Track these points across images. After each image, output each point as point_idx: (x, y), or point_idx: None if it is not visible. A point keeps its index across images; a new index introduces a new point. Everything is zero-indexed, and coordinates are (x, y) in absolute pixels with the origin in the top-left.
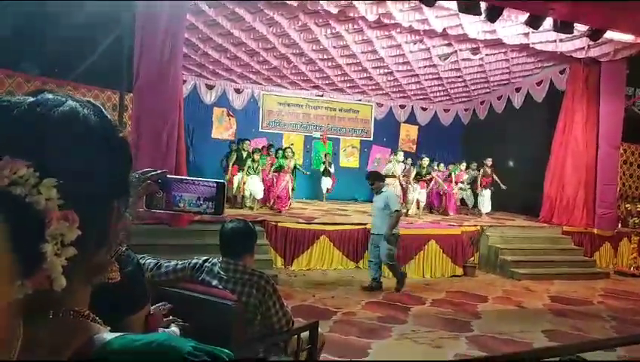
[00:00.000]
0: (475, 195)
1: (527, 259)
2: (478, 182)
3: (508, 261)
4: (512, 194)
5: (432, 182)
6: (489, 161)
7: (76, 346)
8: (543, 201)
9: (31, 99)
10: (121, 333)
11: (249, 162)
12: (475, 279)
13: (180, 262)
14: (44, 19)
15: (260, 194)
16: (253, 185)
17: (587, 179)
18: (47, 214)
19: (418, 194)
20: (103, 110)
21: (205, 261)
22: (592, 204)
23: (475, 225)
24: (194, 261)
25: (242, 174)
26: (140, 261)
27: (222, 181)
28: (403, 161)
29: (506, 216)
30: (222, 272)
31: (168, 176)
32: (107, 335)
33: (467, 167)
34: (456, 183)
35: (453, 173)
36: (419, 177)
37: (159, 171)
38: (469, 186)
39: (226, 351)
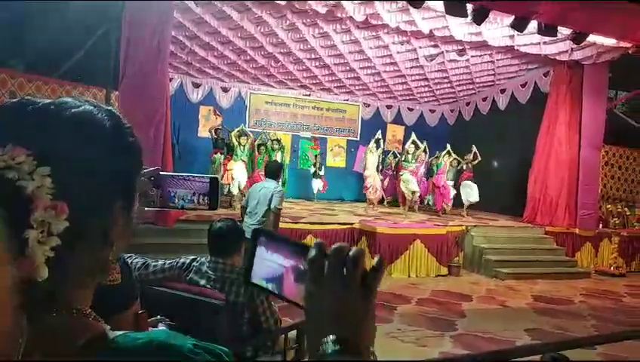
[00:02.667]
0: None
1: (511, 258)
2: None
3: (492, 261)
4: (496, 195)
5: (422, 167)
6: (470, 156)
7: (79, 344)
8: (526, 202)
9: (50, 100)
10: (124, 332)
11: (237, 148)
12: (459, 278)
13: (168, 262)
14: (29, 15)
15: (244, 183)
16: (239, 171)
17: (569, 180)
18: (34, 200)
19: (409, 184)
20: (121, 117)
21: (193, 260)
22: (574, 205)
23: (460, 225)
24: (182, 260)
25: (232, 161)
26: (127, 260)
27: (215, 176)
28: (380, 152)
29: (490, 216)
30: (210, 271)
31: (161, 173)
32: (110, 333)
33: (450, 155)
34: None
35: (438, 165)
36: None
37: (151, 169)
38: (452, 182)
39: (224, 348)
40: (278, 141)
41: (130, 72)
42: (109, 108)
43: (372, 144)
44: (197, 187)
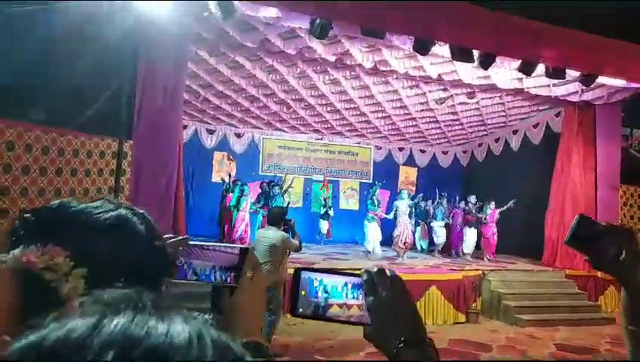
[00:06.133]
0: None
1: (531, 304)
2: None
3: (511, 306)
4: (513, 237)
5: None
6: (472, 198)
7: None
8: (544, 244)
9: (87, 204)
10: None
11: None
12: (478, 326)
13: None
14: (44, 67)
15: None
16: None
17: None
18: (66, 301)
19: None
20: (152, 220)
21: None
22: None
23: (477, 270)
24: None
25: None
26: None
27: (246, 246)
28: (420, 201)
29: (508, 259)
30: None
31: (190, 242)
32: None
33: (496, 206)
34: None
35: (484, 213)
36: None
37: (180, 237)
38: (443, 224)
39: None
40: (240, 185)
41: (144, 122)
42: (142, 212)
43: (404, 193)
44: (226, 259)
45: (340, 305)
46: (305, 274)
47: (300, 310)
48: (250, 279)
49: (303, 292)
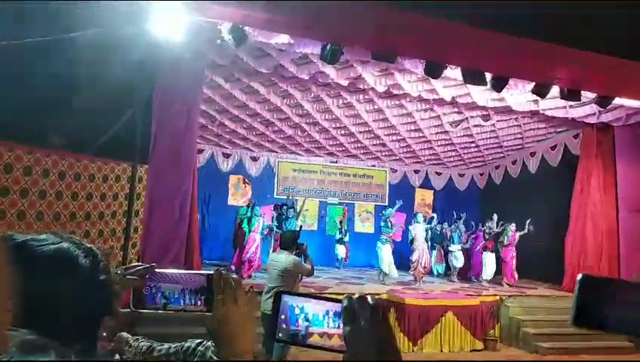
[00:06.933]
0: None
1: (552, 331)
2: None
3: (530, 333)
4: (533, 261)
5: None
6: (495, 217)
7: None
8: (565, 268)
9: (30, 236)
10: None
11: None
12: (496, 354)
13: (174, 346)
14: (61, 94)
15: None
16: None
17: (610, 244)
18: None
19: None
20: (99, 255)
21: (198, 344)
22: (617, 270)
23: (495, 295)
24: (186, 344)
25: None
26: (133, 343)
27: (211, 273)
28: (437, 224)
29: (527, 284)
30: (215, 357)
31: (157, 270)
32: None
33: (517, 229)
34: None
35: (505, 236)
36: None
37: (147, 265)
38: (460, 248)
39: None
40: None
41: (160, 146)
42: (90, 246)
43: (419, 216)
44: (195, 284)
45: (321, 334)
46: (286, 298)
47: (280, 335)
48: (221, 302)
49: (282, 317)
